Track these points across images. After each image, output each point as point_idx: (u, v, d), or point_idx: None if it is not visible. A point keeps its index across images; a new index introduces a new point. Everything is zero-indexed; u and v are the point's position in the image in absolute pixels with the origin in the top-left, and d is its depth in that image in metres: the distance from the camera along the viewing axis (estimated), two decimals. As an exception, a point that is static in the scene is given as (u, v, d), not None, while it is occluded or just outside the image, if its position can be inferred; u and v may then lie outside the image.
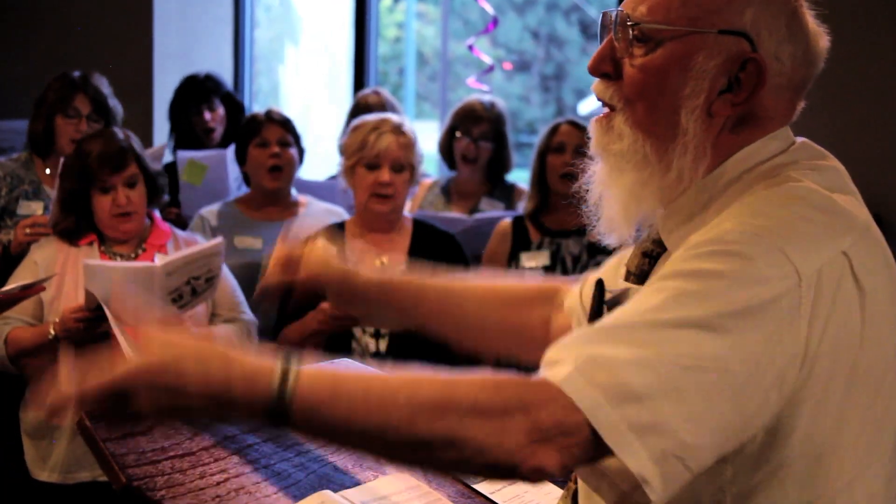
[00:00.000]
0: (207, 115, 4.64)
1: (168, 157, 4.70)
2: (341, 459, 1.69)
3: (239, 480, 1.54)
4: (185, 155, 4.31)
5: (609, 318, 1.27)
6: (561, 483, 1.89)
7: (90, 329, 3.03)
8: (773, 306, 1.21)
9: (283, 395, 1.19)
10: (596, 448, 1.19)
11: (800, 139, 1.44)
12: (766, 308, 1.21)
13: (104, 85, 3.97)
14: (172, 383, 1.20)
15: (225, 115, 4.71)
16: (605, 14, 1.44)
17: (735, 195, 1.36)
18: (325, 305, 3.24)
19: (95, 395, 1.22)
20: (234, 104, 4.78)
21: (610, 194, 1.46)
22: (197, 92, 4.67)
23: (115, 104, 3.98)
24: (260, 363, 1.22)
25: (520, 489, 1.83)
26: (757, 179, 1.36)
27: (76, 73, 3.96)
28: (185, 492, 1.49)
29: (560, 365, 1.21)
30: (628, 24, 1.39)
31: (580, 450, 1.19)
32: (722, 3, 1.35)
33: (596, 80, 1.45)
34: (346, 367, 1.99)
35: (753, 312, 1.20)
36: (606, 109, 1.45)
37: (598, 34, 1.44)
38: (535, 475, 1.20)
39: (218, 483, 1.53)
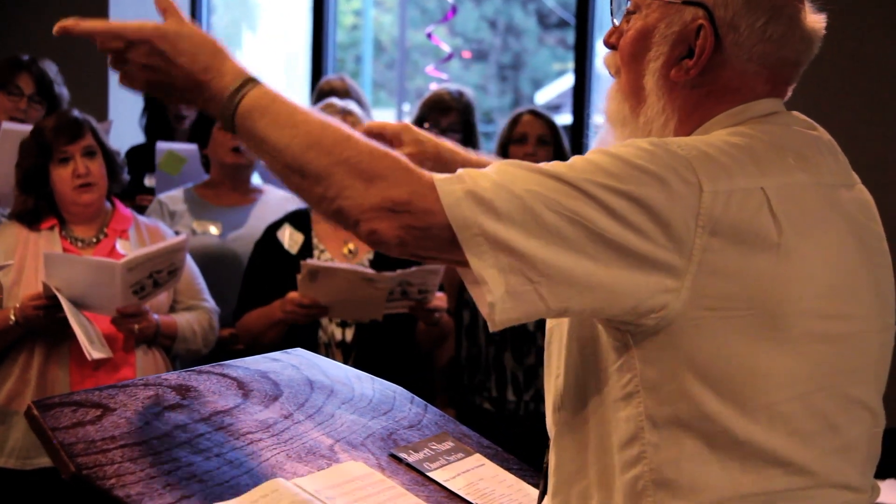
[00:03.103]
0: None
1: (140, 138, 4.63)
2: (294, 448, 1.68)
3: (190, 469, 1.53)
4: (164, 145, 4.26)
5: None
6: (517, 471, 1.89)
7: (48, 316, 3.04)
8: (662, 203, 1.30)
9: (237, 92, 1.41)
10: (445, 244, 1.32)
11: (794, 112, 1.52)
12: (654, 201, 1.30)
13: (52, 71, 3.94)
14: (168, 50, 1.42)
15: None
16: None
17: None
18: (292, 295, 3.23)
19: (107, 31, 1.43)
20: None
21: None
22: None
23: (61, 91, 3.94)
24: (236, 65, 1.44)
25: (474, 477, 1.83)
26: None
27: (25, 57, 3.93)
28: (135, 480, 1.47)
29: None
30: None
31: (424, 236, 1.33)
32: None
33: (607, 53, 1.58)
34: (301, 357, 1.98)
35: (638, 200, 1.30)
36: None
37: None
38: (370, 237, 1.35)
39: (169, 472, 1.51)
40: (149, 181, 4.36)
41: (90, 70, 5.25)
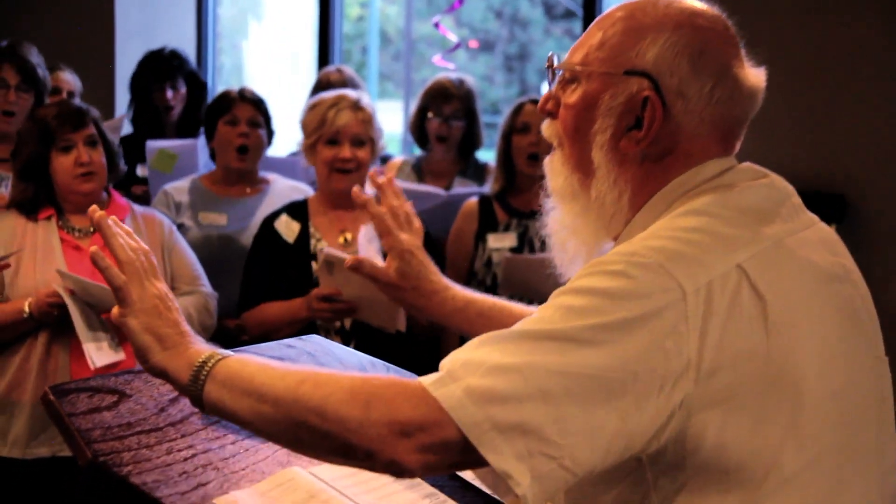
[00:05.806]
0: (169, 93, 4.60)
1: (127, 128, 4.64)
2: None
3: (206, 456, 1.54)
4: (154, 144, 4.25)
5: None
6: None
7: (63, 315, 3.06)
8: (653, 318, 1.26)
9: (196, 382, 1.40)
10: (463, 449, 1.23)
11: (744, 164, 1.47)
12: (646, 320, 1.25)
13: (33, 54, 3.85)
14: (135, 345, 1.46)
15: (186, 95, 4.67)
16: (549, 57, 1.52)
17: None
18: (316, 291, 3.23)
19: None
20: (197, 83, 4.72)
21: (561, 231, 1.54)
22: (161, 68, 4.61)
23: (44, 74, 3.86)
24: (188, 356, 1.42)
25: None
26: (678, 206, 1.41)
27: (3, 43, 3.84)
28: (151, 468, 1.47)
29: (440, 371, 1.28)
30: (554, 65, 1.49)
31: (443, 450, 1.25)
32: (628, 46, 1.42)
33: (545, 121, 1.52)
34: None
35: (631, 325, 1.25)
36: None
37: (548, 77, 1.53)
38: (391, 468, 1.27)
39: (185, 459, 1.52)
40: (141, 171, 4.36)
41: (96, 66, 5.26)
